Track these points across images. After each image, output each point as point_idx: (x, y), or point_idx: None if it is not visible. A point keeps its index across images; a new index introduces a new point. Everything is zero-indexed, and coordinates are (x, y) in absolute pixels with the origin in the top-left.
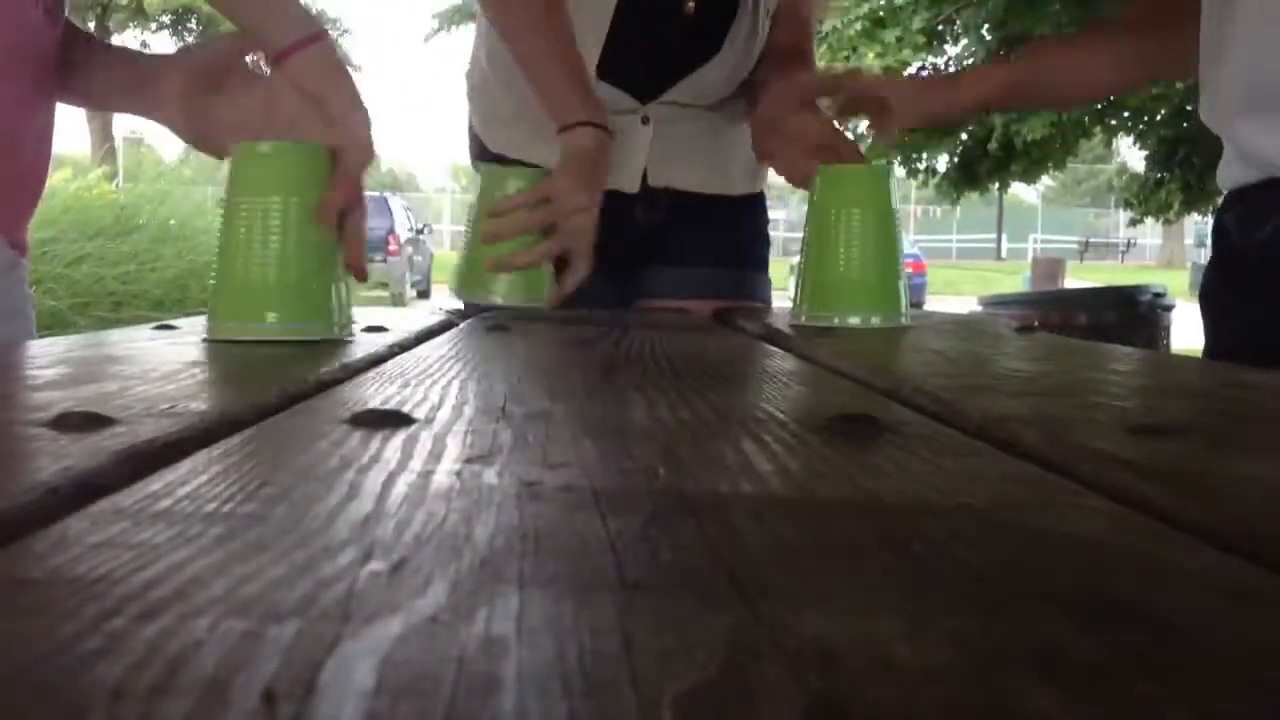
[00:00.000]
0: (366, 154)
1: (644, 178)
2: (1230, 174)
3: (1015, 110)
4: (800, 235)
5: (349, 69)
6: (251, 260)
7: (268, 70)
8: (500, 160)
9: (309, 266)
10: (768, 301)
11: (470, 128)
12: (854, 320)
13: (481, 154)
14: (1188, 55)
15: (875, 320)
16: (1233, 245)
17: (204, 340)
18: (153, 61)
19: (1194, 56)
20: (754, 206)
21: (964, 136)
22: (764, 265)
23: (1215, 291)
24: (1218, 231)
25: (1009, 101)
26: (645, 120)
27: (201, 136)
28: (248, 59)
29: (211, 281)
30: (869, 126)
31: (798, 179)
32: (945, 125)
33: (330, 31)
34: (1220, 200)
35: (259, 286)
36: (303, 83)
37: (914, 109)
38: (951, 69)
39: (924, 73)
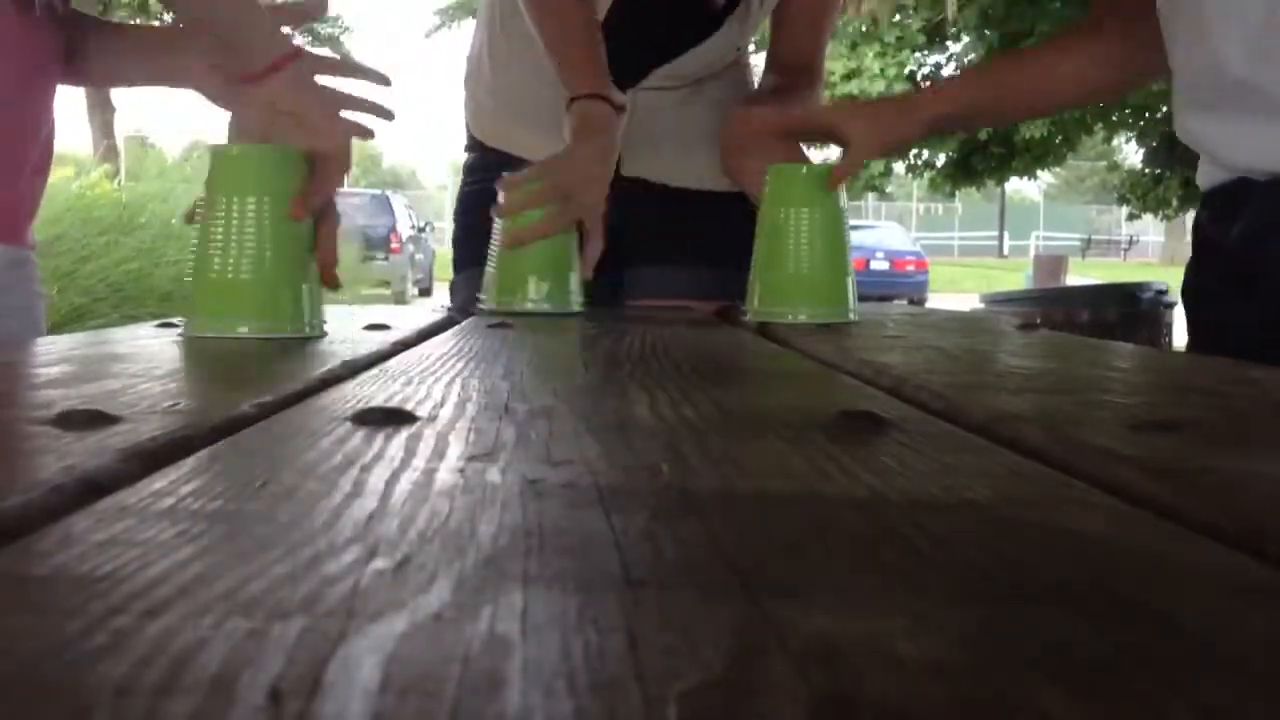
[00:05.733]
0: (344, 163)
1: (618, 168)
2: (1205, 175)
3: (980, 128)
4: None
5: (334, 78)
6: (227, 260)
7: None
8: (484, 152)
9: (280, 266)
10: None
11: (466, 121)
12: (803, 317)
13: (472, 145)
14: (1160, 48)
15: (822, 316)
16: (1210, 242)
17: (180, 337)
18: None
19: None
20: (747, 203)
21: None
22: None
23: (1195, 288)
24: (1196, 229)
25: (972, 121)
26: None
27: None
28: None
29: (188, 279)
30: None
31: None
32: (904, 147)
33: (304, 45)
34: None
35: (233, 286)
36: (278, 101)
37: (872, 140)
38: (952, 66)
39: (923, 70)
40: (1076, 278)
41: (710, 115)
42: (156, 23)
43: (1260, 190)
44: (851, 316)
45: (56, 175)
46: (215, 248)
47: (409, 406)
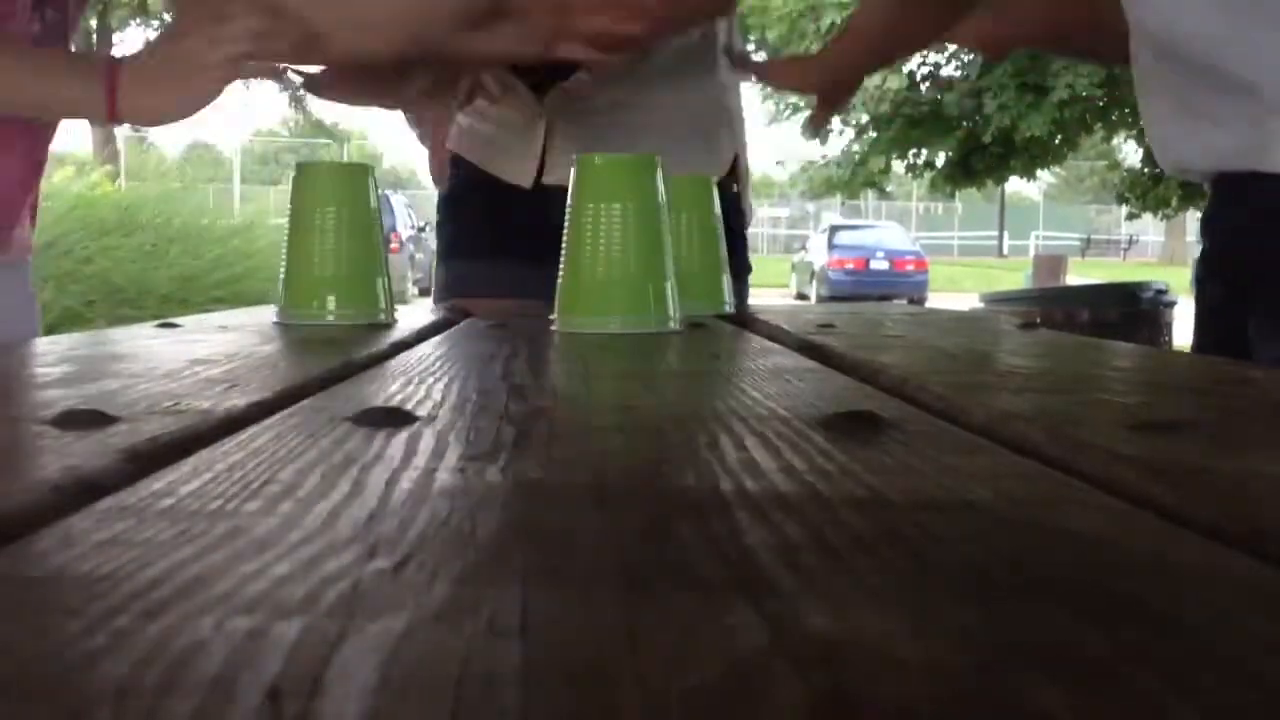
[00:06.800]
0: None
1: (540, 176)
2: None
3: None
4: (799, 232)
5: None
6: (314, 258)
7: None
8: (455, 161)
9: (360, 262)
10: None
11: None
12: (614, 327)
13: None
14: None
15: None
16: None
17: (274, 323)
18: None
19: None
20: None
21: (960, 133)
22: (737, 270)
23: (1197, 281)
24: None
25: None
26: (539, 115)
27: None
28: None
29: (281, 275)
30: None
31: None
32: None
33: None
34: None
35: (320, 279)
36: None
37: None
38: (952, 66)
39: (924, 69)
40: (1076, 277)
41: (642, 120)
42: (156, 23)
43: (1215, 188)
44: (672, 326)
45: (58, 176)
46: (306, 249)
47: (408, 406)
